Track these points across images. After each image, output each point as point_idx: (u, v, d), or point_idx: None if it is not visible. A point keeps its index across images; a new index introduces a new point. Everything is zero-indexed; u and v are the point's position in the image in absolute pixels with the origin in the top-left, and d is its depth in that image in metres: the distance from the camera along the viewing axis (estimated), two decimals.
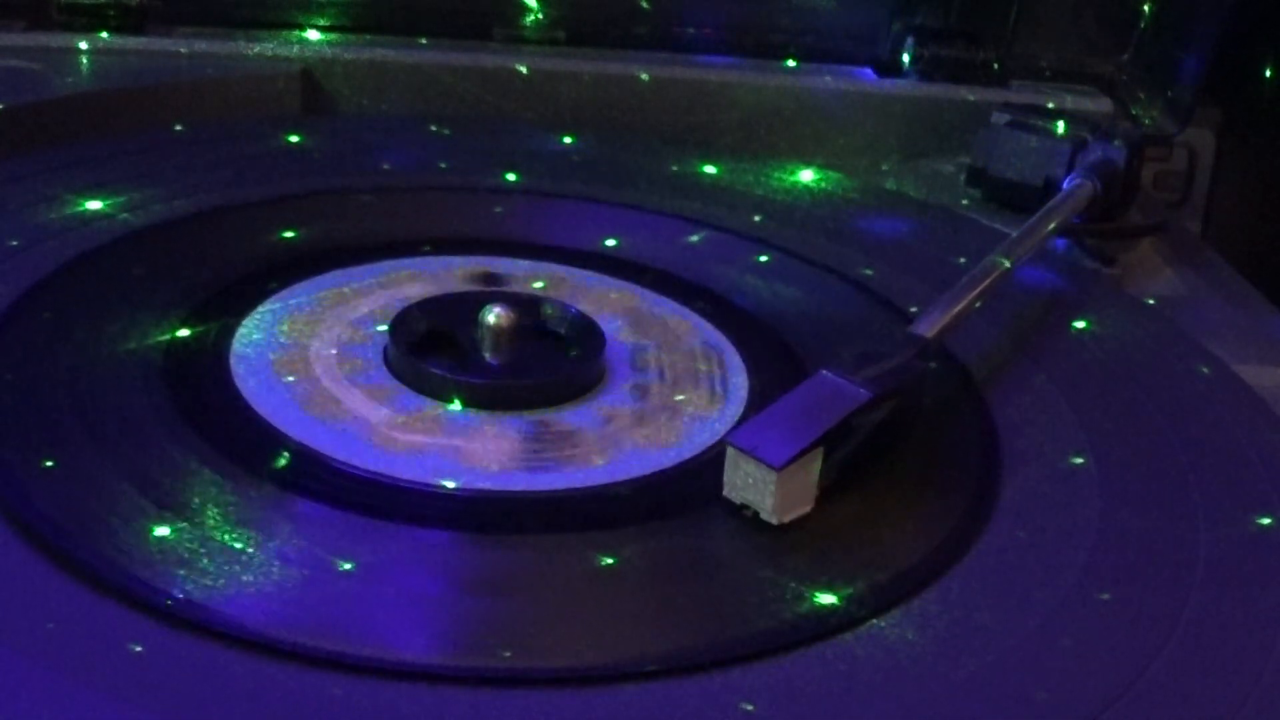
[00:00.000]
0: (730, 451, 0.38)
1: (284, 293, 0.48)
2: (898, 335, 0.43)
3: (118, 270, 0.48)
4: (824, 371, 0.40)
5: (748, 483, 0.38)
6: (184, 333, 0.45)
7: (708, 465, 0.40)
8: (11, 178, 0.54)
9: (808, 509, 0.38)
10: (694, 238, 0.56)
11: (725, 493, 0.38)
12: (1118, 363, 0.48)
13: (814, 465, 0.38)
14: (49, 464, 0.38)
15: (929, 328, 0.44)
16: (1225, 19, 0.70)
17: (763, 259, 0.55)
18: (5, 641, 0.30)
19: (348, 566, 0.35)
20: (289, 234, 0.53)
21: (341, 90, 0.71)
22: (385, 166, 0.59)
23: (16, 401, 0.40)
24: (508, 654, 0.33)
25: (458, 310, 0.47)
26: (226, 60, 0.69)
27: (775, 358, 0.48)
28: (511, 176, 0.59)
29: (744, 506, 0.38)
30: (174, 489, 0.37)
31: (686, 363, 0.47)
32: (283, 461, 0.39)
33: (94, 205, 0.52)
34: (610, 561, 0.36)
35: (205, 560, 0.34)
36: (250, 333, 0.46)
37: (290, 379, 0.44)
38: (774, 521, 0.37)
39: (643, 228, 0.56)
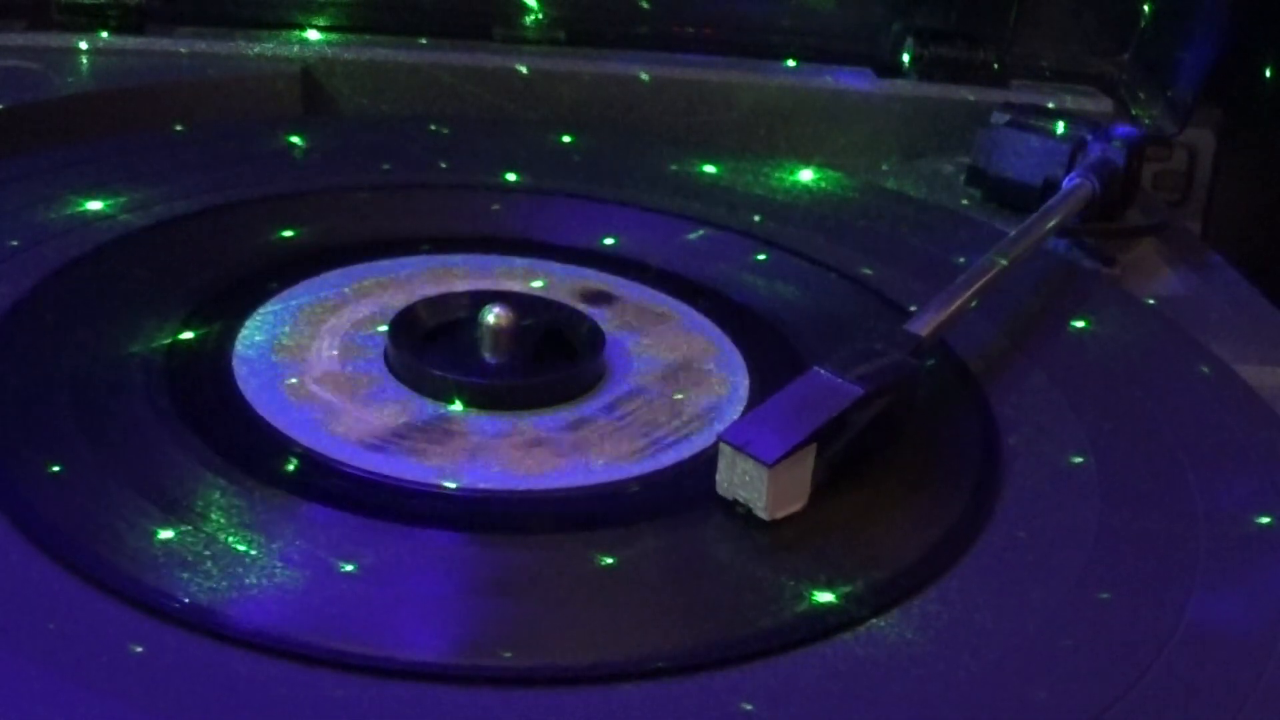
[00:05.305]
0: (723, 448, 0.38)
1: (285, 294, 0.48)
2: (893, 333, 0.43)
3: (119, 272, 0.48)
4: (817, 368, 0.40)
5: (741, 479, 0.38)
6: (186, 335, 0.45)
7: (707, 464, 0.40)
8: (11, 178, 0.54)
9: (801, 506, 0.38)
10: (693, 235, 0.56)
11: (719, 489, 0.38)
12: (1118, 363, 0.48)
13: (807, 462, 0.38)
14: (51, 467, 0.38)
15: (923, 326, 0.44)
16: (1225, 19, 0.70)
17: (762, 257, 0.55)
18: (9, 644, 0.30)
19: (351, 568, 0.35)
20: (289, 234, 0.53)
21: (341, 90, 0.71)
22: (385, 166, 0.60)
23: (18, 404, 0.40)
24: (508, 654, 0.33)
25: (457, 310, 0.47)
26: (226, 60, 0.69)
27: (775, 356, 0.48)
28: (511, 176, 0.59)
29: (737, 503, 0.38)
30: (177, 492, 0.37)
31: (686, 361, 0.47)
32: (284, 464, 0.39)
33: (94, 205, 0.52)
34: (608, 561, 0.36)
35: (208, 563, 0.34)
36: (252, 334, 0.46)
37: (292, 381, 0.44)
38: (766, 518, 0.37)
39: (642, 226, 0.56)
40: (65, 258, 0.48)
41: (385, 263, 0.52)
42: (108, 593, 0.33)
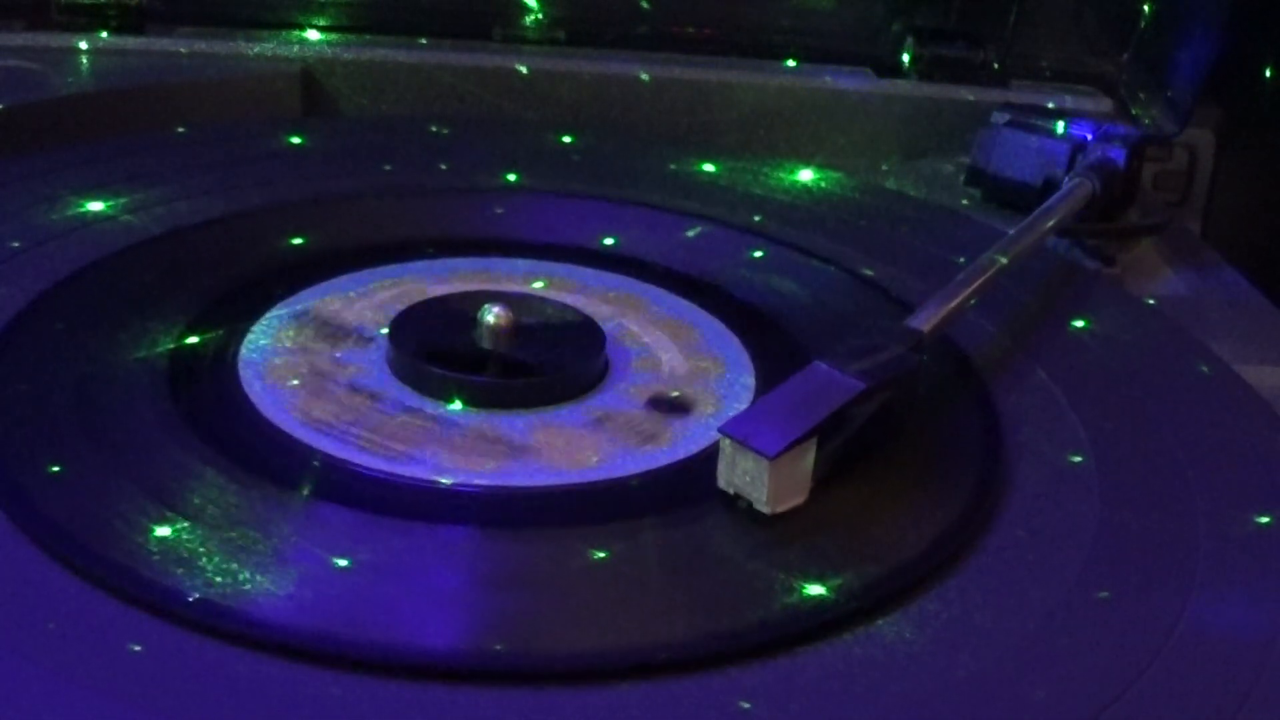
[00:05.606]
0: (724, 442, 0.38)
1: (291, 299, 0.48)
2: (894, 328, 0.43)
3: (125, 276, 0.48)
4: (817, 362, 0.40)
5: (742, 473, 0.38)
6: (192, 340, 0.45)
7: (709, 460, 0.40)
8: (12, 178, 0.54)
9: (801, 500, 0.38)
10: (692, 232, 0.56)
11: (719, 483, 0.38)
12: (1118, 362, 0.48)
13: (808, 455, 0.38)
14: (56, 470, 0.38)
15: (923, 322, 0.44)
16: (1225, 19, 0.70)
17: (761, 255, 0.55)
18: (9, 644, 0.31)
19: (353, 566, 0.35)
20: (294, 238, 0.53)
21: (341, 90, 0.71)
22: (386, 168, 0.60)
23: (21, 406, 0.40)
24: (507, 651, 0.33)
25: (458, 310, 0.47)
26: (226, 60, 0.69)
27: (777, 354, 0.48)
28: (512, 176, 0.59)
29: (738, 497, 0.38)
30: (182, 494, 0.37)
31: (687, 359, 0.47)
32: (287, 464, 0.39)
33: (95, 206, 0.52)
34: (608, 557, 0.36)
35: (210, 562, 0.34)
36: (258, 338, 0.46)
37: (296, 383, 0.44)
38: (767, 511, 0.37)
39: (642, 224, 0.56)
40: (67, 259, 0.48)
41: (386, 267, 0.52)
42: (108, 592, 0.33)
